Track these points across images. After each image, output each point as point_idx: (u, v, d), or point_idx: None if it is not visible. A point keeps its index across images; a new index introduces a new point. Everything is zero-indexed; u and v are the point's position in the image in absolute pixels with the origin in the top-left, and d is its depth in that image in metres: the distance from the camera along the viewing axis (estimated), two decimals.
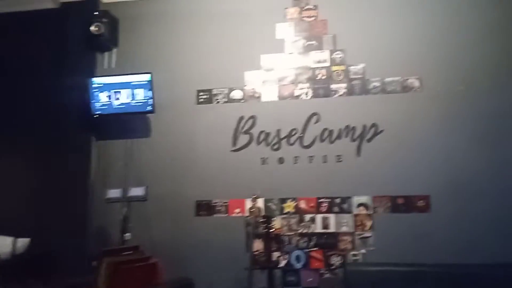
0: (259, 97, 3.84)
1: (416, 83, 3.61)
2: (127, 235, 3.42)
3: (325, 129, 3.67)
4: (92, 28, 3.87)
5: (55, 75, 4.03)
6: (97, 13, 3.93)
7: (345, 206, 3.55)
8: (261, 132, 3.77)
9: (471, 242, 3.30)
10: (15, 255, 2.97)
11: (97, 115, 3.84)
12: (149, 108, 3.78)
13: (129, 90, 3.80)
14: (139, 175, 3.82)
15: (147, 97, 3.77)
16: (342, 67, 3.76)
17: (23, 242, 3.17)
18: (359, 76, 3.72)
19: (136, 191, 3.58)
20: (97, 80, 3.85)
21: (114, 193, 3.58)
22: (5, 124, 4.07)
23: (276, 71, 3.85)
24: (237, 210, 3.69)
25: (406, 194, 3.47)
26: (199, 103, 3.93)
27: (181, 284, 2.95)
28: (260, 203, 3.63)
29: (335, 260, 3.49)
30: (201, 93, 3.93)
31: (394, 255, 3.32)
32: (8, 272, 2.96)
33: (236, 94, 3.88)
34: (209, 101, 3.91)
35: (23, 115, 4.07)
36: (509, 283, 2.91)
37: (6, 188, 3.92)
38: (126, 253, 2.90)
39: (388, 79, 3.66)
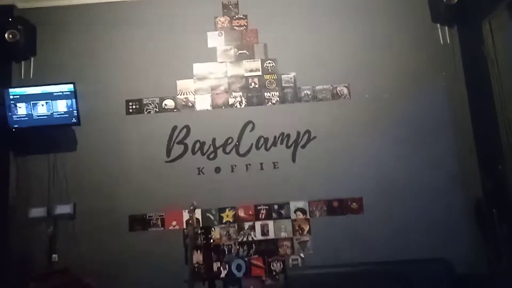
0: (192, 106, 3.81)
1: (345, 91, 3.80)
2: (54, 257, 3.18)
3: (260, 137, 3.73)
4: (7, 35, 3.60)
5: None
6: (11, 19, 3.67)
7: (283, 211, 3.61)
8: (196, 141, 3.73)
9: (401, 240, 3.52)
10: None
11: (15, 128, 3.55)
12: (74, 120, 3.58)
13: (50, 101, 3.57)
14: (65, 192, 3.59)
15: (71, 109, 3.56)
16: (274, 76, 3.86)
17: None
18: (291, 85, 3.83)
19: (63, 209, 3.35)
20: (14, 91, 3.58)
21: (37, 212, 3.31)
22: None
23: (209, 80, 3.85)
24: (174, 223, 3.60)
25: (340, 197, 3.62)
26: (128, 113, 3.80)
27: None
28: (198, 214, 3.58)
29: (276, 266, 3.54)
30: (131, 103, 3.81)
31: (332, 256, 3.46)
32: None
33: (168, 103, 3.81)
34: (139, 111, 3.80)
35: None
36: (437, 276, 3.14)
37: None
38: (55, 276, 2.68)
39: (318, 87, 3.81)
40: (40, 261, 3.35)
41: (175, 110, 3.80)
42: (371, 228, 3.55)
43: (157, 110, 3.79)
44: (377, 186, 3.62)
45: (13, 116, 3.55)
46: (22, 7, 3.89)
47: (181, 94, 3.82)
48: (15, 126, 3.55)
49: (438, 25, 3.86)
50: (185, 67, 3.85)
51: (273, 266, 3.54)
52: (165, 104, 3.81)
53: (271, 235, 3.59)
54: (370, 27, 3.89)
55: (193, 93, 3.83)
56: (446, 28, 3.85)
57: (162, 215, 3.61)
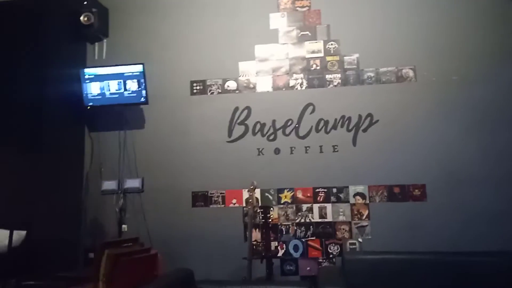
0: (253, 88, 3.85)
1: (411, 73, 3.67)
2: (124, 227, 3.40)
3: (320, 119, 3.71)
4: (82, 18, 3.81)
5: (45, 66, 3.94)
6: (86, 2, 3.86)
7: (341, 195, 3.60)
8: (257, 122, 3.79)
9: (464, 230, 3.39)
10: (11, 248, 2.92)
11: (90, 107, 3.80)
12: (142, 99, 3.74)
13: (121, 81, 3.75)
14: (134, 167, 3.80)
15: (140, 88, 3.73)
16: (336, 58, 3.80)
17: (19, 235, 3.12)
18: (354, 67, 3.75)
19: (132, 183, 3.55)
20: (88, 71, 3.80)
21: (109, 185, 3.53)
22: None
23: (270, 62, 3.86)
24: (234, 201, 3.71)
25: (402, 183, 3.54)
26: (193, 94, 3.91)
27: (181, 275, 2.95)
28: (257, 193, 3.66)
29: (333, 249, 3.55)
30: (195, 84, 3.92)
31: (390, 243, 3.40)
32: (5, 266, 2.92)
33: (231, 84, 3.88)
34: (203, 92, 3.90)
35: (14, 108, 3.99)
36: (501, 270, 2.99)
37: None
38: (125, 245, 2.87)
39: (382, 69, 3.71)
40: (110, 230, 3.61)
41: (237, 92, 3.86)
42: (433, 217, 3.45)
43: (219, 91, 3.88)
44: (441, 173, 3.48)
45: (88, 95, 3.78)
46: None
47: (243, 76, 3.88)
48: (90, 104, 3.79)
49: None
50: (247, 48, 3.88)
51: (330, 249, 3.56)
52: (228, 86, 3.88)
53: (329, 218, 3.59)
54: (437, 5, 3.69)
55: (255, 74, 3.87)
56: None
57: (223, 193, 3.73)
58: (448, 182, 3.47)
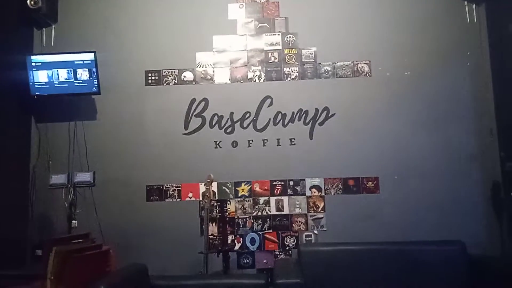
0: (211, 79, 3.78)
1: (366, 68, 3.73)
2: (74, 223, 3.26)
3: (278, 112, 3.70)
4: (29, 1, 3.58)
5: None
6: None
7: (298, 188, 3.62)
8: (214, 115, 3.73)
9: (416, 221, 3.51)
10: None
11: (37, 96, 3.58)
12: (94, 89, 3.58)
13: (72, 69, 3.57)
14: (86, 160, 3.64)
15: (92, 78, 3.57)
16: (294, 51, 3.80)
17: None
18: (311, 60, 3.77)
19: (83, 176, 3.41)
20: (35, 58, 3.59)
21: (58, 178, 3.38)
22: None
23: (229, 53, 3.81)
24: (190, 195, 3.64)
25: (356, 176, 3.61)
26: (147, 84, 3.79)
27: (134, 270, 2.87)
28: (214, 187, 3.61)
29: (289, 242, 3.57)
30: (150, 74, 3.80)
31: (346, 234, 3.47)
32: None
33: (187, 75, 3.79)
34: (158, 82, 3.79)
35: None
36: (446, 258, 3.13)
37: None
38: (75, 241, 2.75)
39: (339, 63, 3.74)
40: (61, 226, 3.44)
41: (194, 83, 3.78)
42: (386, 208, 3.55)
43: (176, 82, 3.78)
44: (394, 166, 3.59)
45: (35, 83, 3.57)
46: None
47: (200, 67, 3.80)
48: (37, 93, 3.58)
49: (466, 2, 3.73)
50: (205, 39, 3.81)
51: (286, 241, 3.58)
52: (184, 76, 3.79)
53: (286, 210, 3.61)
54: (393, 3, 3.78)
55: (212, 66, 3.80)
56: (474, 5, 3.72)
57: (179, 187, 3.65)
58: (400, 175, 3.58)
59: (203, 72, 3.79)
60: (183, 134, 3.71)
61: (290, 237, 3.58)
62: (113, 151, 3.69)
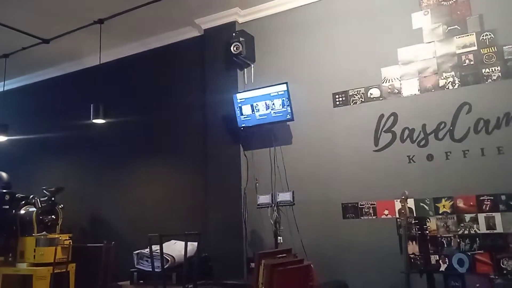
0: (398, 93, 3.62)
1: None
2: (280, 239, 3.52)
3: (479, 119, 3.28)
4: (232, 48, 4.13)
5: (203, 94, 4.44)
6: (234, 34, 4.18)
7: None
8: (405, 128, 3.54)
9: None
10: (187, 258, 3.30)
11: (242, 127, 4.08)
12: (288, 116, 3.86)
13: (268, 101, 3.93)
14: (285, 181, 3.93)
15: (285, 106, 3.85)
16: (493, 49, 3.32)
17: (192, 246, 3.53)
18: None
19: (284, 196, 3.67)
20: (239, 96, 4.09)
21: (264, 199, 3.72)
22: (167, 144, 4.68)
23: (415, 63, 3.59)
24: (386, 212, 3.52)
25: None
26: (335, 105, 3.88)
27: (335, 286, 2.91)
28: (411, 203, 3.40)
29: (507, 264, 3.06)
30: (337, 96, 3.88)
31: None
32: (183, 273, 3.31)
33: (374, 92, 3.72)
34: (346, 102, 3.83)
35: (179, 134, 4.60)
36: None
37: (176, 201, 4.50)
38: (280, 255, 2.97)
39: None
40: (269, 242, 3.74)
41: (381, 99, 3.69)
42: None
43: (362, 100, 3.76)
44: None
45: (241, 117, 4.07)
46: (242, 21, 4.42)
47: (386, 82, 3.69)
48: (243, 125, 4.08)
49: None
50: (389, 53, 3.68)
51: (503, 264, 3.07)
52: (371, 93, 3.74)
53: (499, 229, 3.11)
54: None
55: (399, 79, 3.64)
56: None
57: (374, 204, 3.57)
58: None
59: (389, 86, 3.67)
60: (373, 151, 3.64)
61: (508, 259, 3.06)
62: (308, 172, 3.87)
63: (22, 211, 4.61)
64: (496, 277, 3.07)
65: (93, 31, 4.44)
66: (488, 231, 3.14)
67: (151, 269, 3.41)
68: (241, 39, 4.11)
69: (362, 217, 3.61)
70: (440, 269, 3.24)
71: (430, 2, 3.61)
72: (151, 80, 4.96)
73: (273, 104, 3.91)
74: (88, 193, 5.10)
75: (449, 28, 3.51)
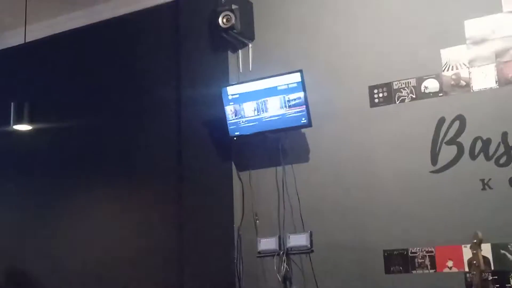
0: (466, 86, 3.65)
1: None
2: None
3: None
4: (220, 20, 4.11)
5: (176, 88, 4.44)
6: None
7: None
8: (476, 139, 3.54)
9: None
10: None
11: (236, 137, 4.06)
12: (303, 121, 3.84)
13: (274, 98, 3.91)
14: (299, 216, 3.91)
15: (299, 105, 3.83)
16: None
17: None
18: None
19: (297, 239, 3.66)
20: (231, 90, 4.08)
21: (267, 243, 3.71)
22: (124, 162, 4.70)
23: (491, 42, 3.61)
24: (450, 264, 3.51)
25: None
26: (374, 105, 3.89)
27: None
28: (486, 250, 3.37)
29: None
30: (376, 91, 3.90)
31: None
32: None
33: (430, 84, 3.75)
34: (388, 100, 3.85)
35: (142, 147, 4.62)
36: None
37: (136, 247, 4.48)
38: None
39: None
40: None
41: (440, 94, 3.70)
42: None
43: (413, 96, 3.78)
44: None
45: (233, 121, 4.05)
46: None
47: (448, 69, 3.70)
48: (236, 133, 4.05)
49: None
50: (452, 28, 3.71)
51: None
52: (425, 87, 3.75)
53: None
54: None
55: (467, 65, 3.65)
56: None
57: (432, 251, 3.56)
58: None
59: (453, 76, 3.68)
60: (430, 172, 3.63)
61: None
62: (333, 202, 3.86)
63: None
64: None
65: None
66: None
67: None
68: (233, 6, 4.14)
69: (414, 271, 3.59)
70: None
71: None
72: (102, 67, 4.98)
73: (281, 102, 3.91)
74: (2, 235, 5.06)
75: None
